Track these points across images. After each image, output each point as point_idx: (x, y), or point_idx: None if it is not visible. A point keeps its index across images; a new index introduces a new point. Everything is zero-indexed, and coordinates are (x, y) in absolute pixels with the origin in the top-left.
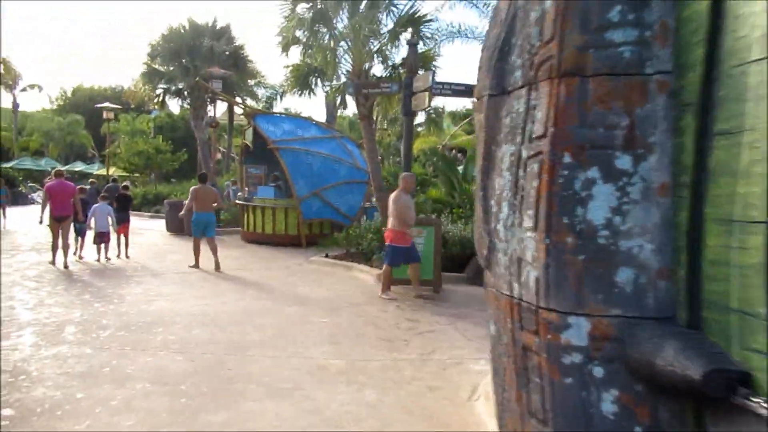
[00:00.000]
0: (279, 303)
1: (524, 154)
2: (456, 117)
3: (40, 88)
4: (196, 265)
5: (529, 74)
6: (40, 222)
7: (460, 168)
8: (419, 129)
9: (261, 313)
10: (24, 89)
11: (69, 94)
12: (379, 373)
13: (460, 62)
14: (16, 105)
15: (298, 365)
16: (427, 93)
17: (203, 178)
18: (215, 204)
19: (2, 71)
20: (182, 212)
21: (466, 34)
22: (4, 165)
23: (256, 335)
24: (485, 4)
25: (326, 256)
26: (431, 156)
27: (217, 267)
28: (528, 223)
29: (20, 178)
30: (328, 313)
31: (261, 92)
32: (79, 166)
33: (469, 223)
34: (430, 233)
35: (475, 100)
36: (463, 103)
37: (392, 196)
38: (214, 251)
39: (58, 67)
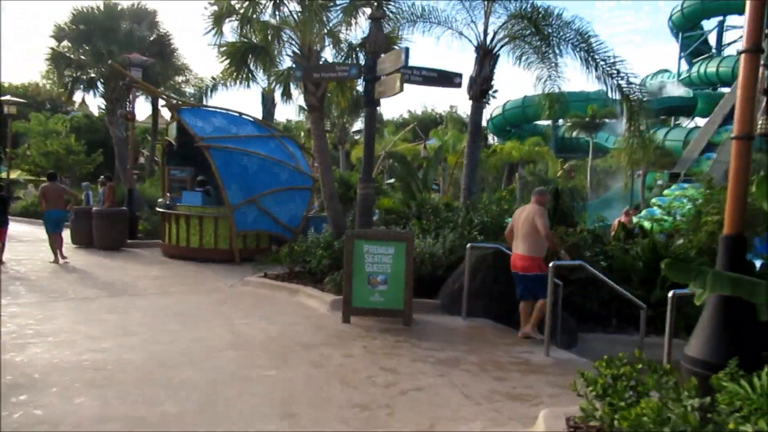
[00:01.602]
0: (207, 345)
1: None
2: (394, 126)
3: None
4: (56, 260)
5: None
6: None
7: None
8: (356, 137)
9: (181, 362)
10: None
11: None
12: None
13: (420, 54)
14: None
15: None
16: (397, 76)
17: (52, 176)
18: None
19: None
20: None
21: (430, 19)
22: None
23: (172, 405)
24: None
25: (265, 275)
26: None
27: (57, 259)
28: None
29: None
30: (275, 360)
31: (190, 91)
32: None
33: (440, 237)
34: (399, 251)
35: None
36: (400, 112)
37: (528, 211)
38: (59, 246)
39: None
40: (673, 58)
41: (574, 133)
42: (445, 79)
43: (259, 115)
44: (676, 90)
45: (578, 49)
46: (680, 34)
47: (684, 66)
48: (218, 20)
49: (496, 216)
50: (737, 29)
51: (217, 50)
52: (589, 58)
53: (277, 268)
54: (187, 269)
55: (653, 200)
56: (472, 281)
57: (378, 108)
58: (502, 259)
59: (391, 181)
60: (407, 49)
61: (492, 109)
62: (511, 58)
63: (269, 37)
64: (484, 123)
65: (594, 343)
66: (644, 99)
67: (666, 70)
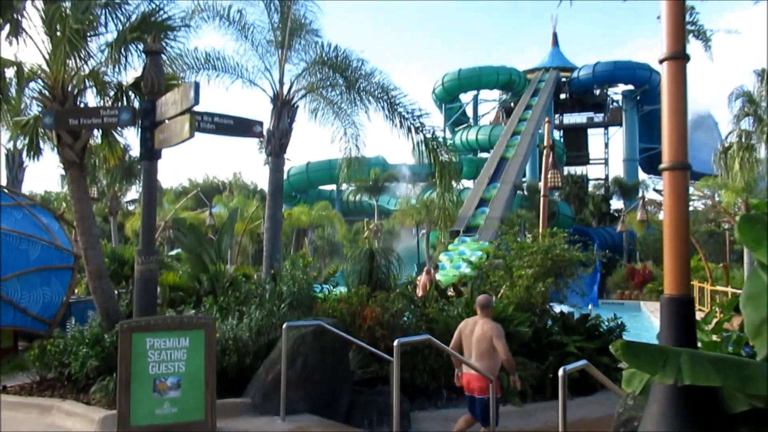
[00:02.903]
0: None
1: None
2: (174, 194)
3: None
4: None
5: None
6: None
7: None
8: (131, 207)
9: None
10: None
11: None
12: None
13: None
14: None
15: None
16: (186, 118)
17: None
18: None
19: None
20: None
21: (215, 66)
22: None
23: None
24: (245, 25)
25: (4, 389)
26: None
27: None
28: None
29: None
30: None
31: None
32: None
33: (245, 317)
34: (197, 342)
35: None
36: (179, 180)
37: (483, 329)
38: None
39: None
40: (438, 126)
41: (358, 197)
42: (243, 127)
43: (2, 182)
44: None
45: (381, 101)
46: (443, 106)
47: (448, 134)
48: None
49: (304, 285)
50: (489, 102)
51: None
52: (393, 112)
53: (23, 376)
54: None
55: (441, 256)
56: (290, 369)
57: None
58: (324, 337)
59: (175, 252)
60: (197, 85)
61: None
62: (310, 113)
63: (4, 74)
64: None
65: (427, 422)
66: (451, 155)
67: None
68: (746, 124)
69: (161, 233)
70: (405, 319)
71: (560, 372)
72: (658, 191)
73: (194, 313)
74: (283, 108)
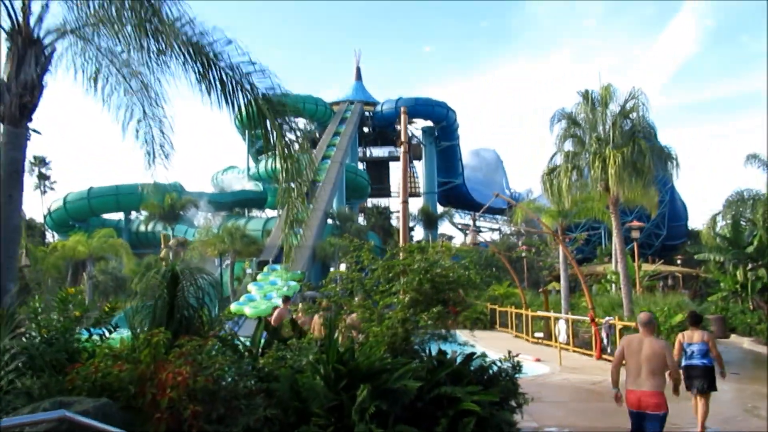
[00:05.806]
0: None
1: None
2: None
3: None
4: None
5: None
6: None
7: None
8: None
9: None
10: None
11: None
12: None
13: None
14: None
15: None
16: None
17: None
18: None
19: None
20: None
21: None
22: None
23: None
24: None
25: None
26: None
27: None
28: None
29: None
30: None
31: None
32: None
33: None
34: None
35: None
36: None
37: (654, 347)
38: None
39: None
40: (242, 155)
41: (150, 226)
42: None
43: None
44: (246, 185)
45: (196, 54)
46: (246, 133)
47: (251, 163)
48: None
49: (61, 333)
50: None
51: None
52: (214, 70)
53: None
54: None
55: (249, 286)
56: None
57: None
58: None
59: None
60: None
61: (50, 203)
62: (88, 80)
63: None
64: (38, 215)
65: None
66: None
67: (234, 167)
68: (569, 145)
69: None
70: (229, 379)
71: None
72: (460, 224)
73: None
74: (28, 49)
